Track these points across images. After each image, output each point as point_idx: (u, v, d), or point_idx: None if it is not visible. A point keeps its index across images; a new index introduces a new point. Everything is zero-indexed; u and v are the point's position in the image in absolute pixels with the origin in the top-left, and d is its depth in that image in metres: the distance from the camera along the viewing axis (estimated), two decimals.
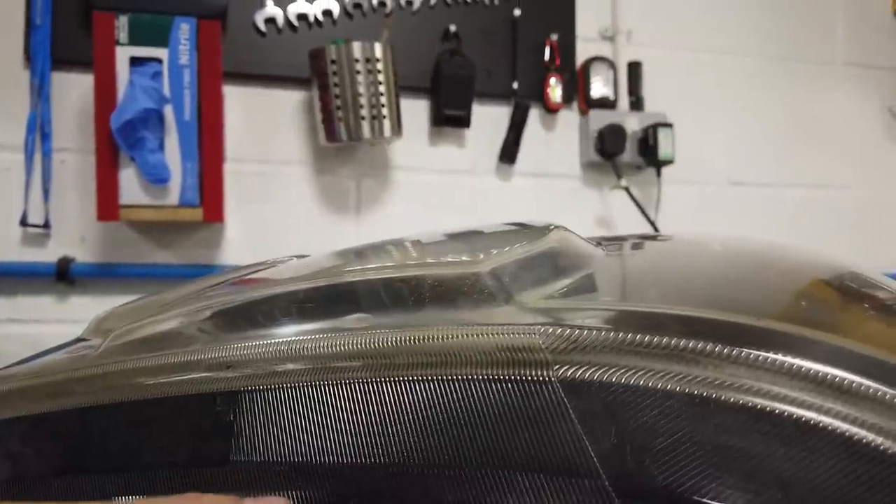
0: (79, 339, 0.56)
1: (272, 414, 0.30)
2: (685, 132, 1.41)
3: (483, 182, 1.36)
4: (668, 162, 1.37)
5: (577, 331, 0.25)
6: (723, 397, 0.22)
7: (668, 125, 1.37)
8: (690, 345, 0.24)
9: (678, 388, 0.23)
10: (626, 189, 1.36)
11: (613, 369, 0.24)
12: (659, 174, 1.40)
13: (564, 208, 1.40)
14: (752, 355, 0.23)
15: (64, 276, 1.14)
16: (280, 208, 1.25)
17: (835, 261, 0.47)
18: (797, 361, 0.23)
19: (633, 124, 1.39)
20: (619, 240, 0.55)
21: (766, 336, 0.25)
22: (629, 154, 1.38)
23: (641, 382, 0.23)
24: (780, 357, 0.23)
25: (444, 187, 1.34)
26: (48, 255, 1.15)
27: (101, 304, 1.17)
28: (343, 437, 0.28)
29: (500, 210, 1.36)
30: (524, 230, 0.45)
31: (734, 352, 0.23)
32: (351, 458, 0.28)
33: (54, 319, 1.16)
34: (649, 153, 1.37)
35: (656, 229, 1.37)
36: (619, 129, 1.37)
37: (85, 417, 0.34)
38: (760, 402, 0.22)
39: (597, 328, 0.25)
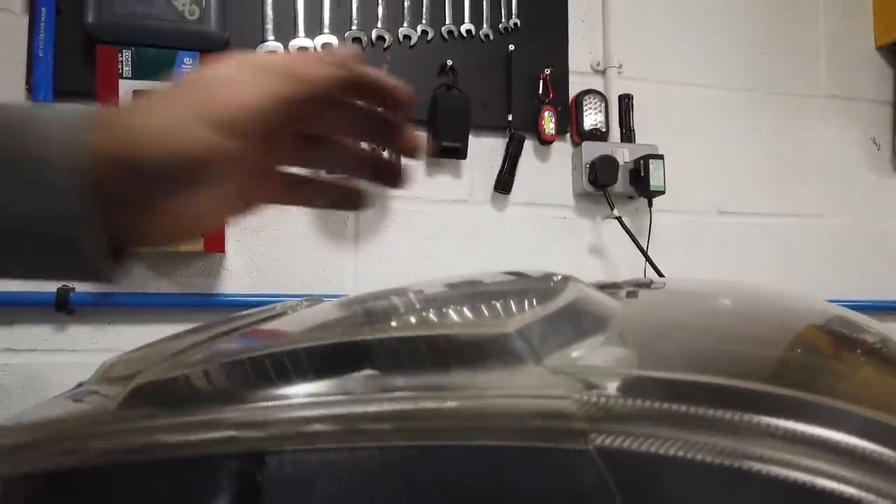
0: (80, 385, 0.56)
1: (300, 476, 0.29)
2: (675, 163, 1.45)
3: (479, 211, 1.38)
4: (659, 192, 1.40)
5: (612, 399, 0.26)
6: (763, 471, 0.23)
7: (659, 156, 1.40)
8: (728, 416, 0.24)
9: (717, 461, 0.23)
10: (619, 219, 1.39)
11: (651, 440, 0.24)
12: (650, 204, 1.43)
13: (558, 237, 1.42)
14: (790, 428, 0.24)
15: (63, 306, 1.14)
16: (279, 238, 1.26)
17: (819, 304, 0.48)
18: (835, 435, 0.24)
19: (624, 155, 1.42)
20: (616, 287, 0.56)
21: (802, 407, 0.26)
22: (621, 184, 1.41)
23: (680, 454, 0.24)
24: (818, 430, 0.24)
25: (440, 217, 1.35)
26: (47, 284, 1.15)
27: (100, 334, 1.18)
28: (372, 502, 0.28)
29: (496, 239, 1.38)
30: (533, 281, 0.46)
31: (772, 424, 0.24)
32: None
33: (53, 349, 1.16)
34: (641, 183, 1.40)
35: (648, 258, 1.40)
36: (611, 160, 1.39)
37: (102, 476, 0.34)
38: (801, 476, 0.23)
39: (633, 396, 0.26)
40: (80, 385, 0.55)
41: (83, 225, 0.34)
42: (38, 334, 1.16)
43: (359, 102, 0.41)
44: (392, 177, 0.44)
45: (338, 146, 0.43)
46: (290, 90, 0.36)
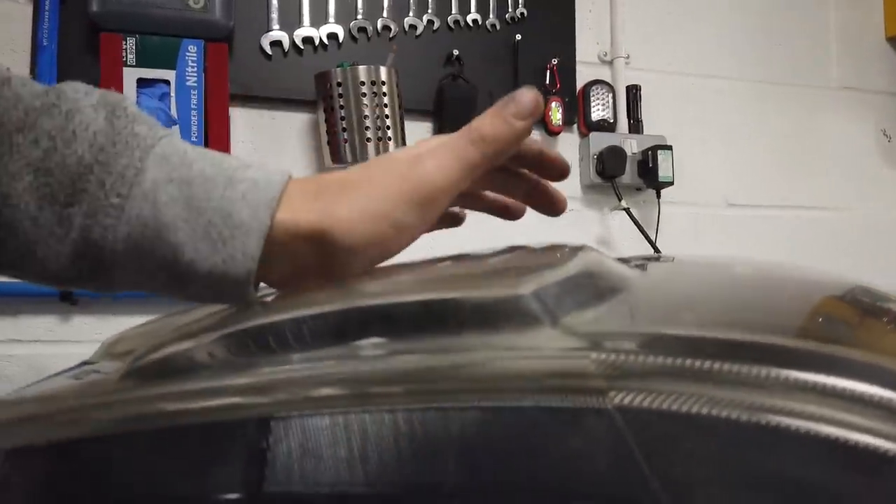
0: (85, 363, 0.55)
1: (308, 441, 0.28)
2: (684, 154, 1.43)
3: None
4: (668, 183, 1.39)
5: (632, 356, 0.25)
6: (793, 427, 0.22)
7: (668, 147, 1.39)
8: (755, 371, 0.23)
9: (745, 417, 0.22)
10: (627, 210, 1.37)
11: (674, 396, 0.23)
12: (658, 195, 1.42)
13: (565, 229, 1.41)
14: (821, 382, 0.23)
15: (67, 296, 1.13)
16: None
17: (833, 275, 0.47)
18: (869, 388, 0.22)
19: (632, 146, 1.41)
20: (625, 261, 0.55)
21: (832, 361, 0.25)
22: (629, 175, 1.40)
23: (705, 411, 0.23)
24: (851, 384, 0.23)
25: None
26: None
27: (104, 325, 1.17)
28: (384, 466, 0.27)
29: (502, 231, 1.36)
30: (545, 249, 0.45)
31: (802, 378, 0.23)
32: (393, 487, 0.27)
33: (57, 339, 1.15)
34: (649, 175, 1.38)
35: (657, 250, 1.38)
36: (619, 151, 1.38)
37: (105, 446, 0.33)
38: (835, 431, 0.22)
39: (653, 353, 0.25)
40: (83, 363, 0.54)
41: (252, 285, 0.34)
42: (42, 325, 1.15)
43: (524, 171, 0.44)
44: (512, 214, 0.48)
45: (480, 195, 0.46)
46: (480, 155, 0.36)
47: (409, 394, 0.29)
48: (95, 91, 0.33)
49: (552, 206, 0.45)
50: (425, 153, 0.36)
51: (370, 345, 0.31)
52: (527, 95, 0.36)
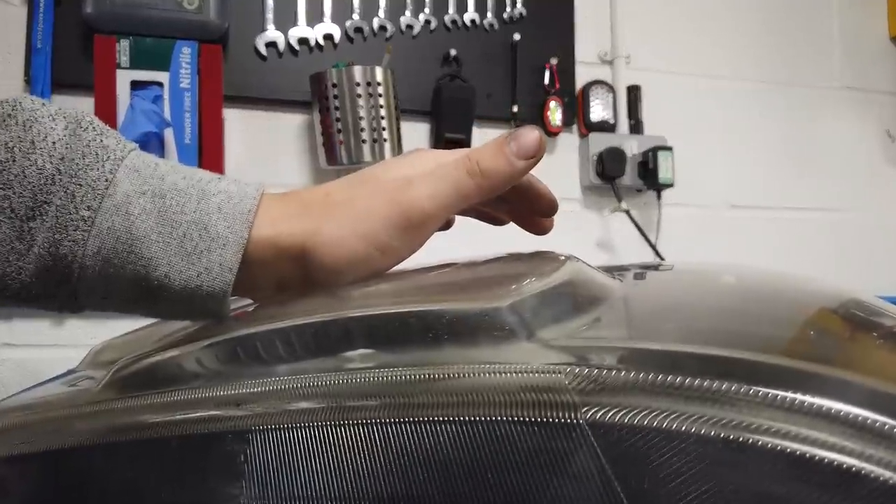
0: (71, 372, 0.55)
1: (285, 454, 0.29)
2: (684, 155, 1.42)
3: None
4: (668, 185, 1.37)
5: (605, 371, 0.24)
6: (760, 443, 0.22)
7: (668, 148, 1.37)
8: (724, 387, 0.23)
9: (713, 433, 0.22)
10: (627, 212, 1.36)
11: (645, 412, 0.23)
12: (659, 197, 1.41)
13: (565, 231, 1.39)
14: (788, 398, 0.23)
15: None
16: None
17: (834, 287, 0.46)
18: (835, 405, 0.22)
19: (632, 147, 1.40)
20: (623, 269, 0.55)
21: (801, 377, 0.24)
22: (629, 177, 1.38)
23: (675, 426, 0.22)
24: (817, 400, 0.22)
25: None
26: None
27: (98, 329, 1.16)
28: (360, 480, 0.27)
29: (500, 233, 1.36)
30: (530, 259, 0.45)
31: (770, 395, 0.23)
32: (368, 501, 0.27)
33: (51, 344, 1.15)
34: (649, 176, 1.37)
35: (657, 252, 1.37)
36: (619, 152, 1.37)
37: (85, 456, 0.33)
38: (800, 447, 0.22)
39: (625, 368, 0.24)
40: (69, 371, 0.54)
41: (227, 300, 0.34)
42: (36, 329, 1.15)
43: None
44: (499, 222, 0.47)
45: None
46: (476, 187, 0.35)
47: (384, 407, 0.29)
48: (52, 103, 0.33)
49: (536, 228, 0.45)
50: (417, 178, 0.35)
51: (352, 356, 0.31)
52: (531, 135, 0.35)
